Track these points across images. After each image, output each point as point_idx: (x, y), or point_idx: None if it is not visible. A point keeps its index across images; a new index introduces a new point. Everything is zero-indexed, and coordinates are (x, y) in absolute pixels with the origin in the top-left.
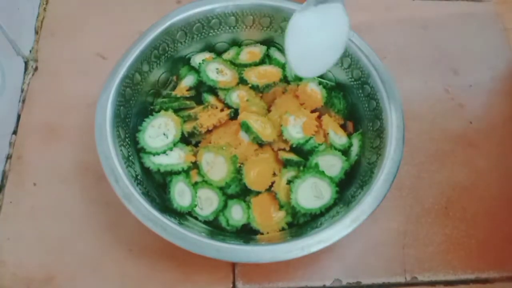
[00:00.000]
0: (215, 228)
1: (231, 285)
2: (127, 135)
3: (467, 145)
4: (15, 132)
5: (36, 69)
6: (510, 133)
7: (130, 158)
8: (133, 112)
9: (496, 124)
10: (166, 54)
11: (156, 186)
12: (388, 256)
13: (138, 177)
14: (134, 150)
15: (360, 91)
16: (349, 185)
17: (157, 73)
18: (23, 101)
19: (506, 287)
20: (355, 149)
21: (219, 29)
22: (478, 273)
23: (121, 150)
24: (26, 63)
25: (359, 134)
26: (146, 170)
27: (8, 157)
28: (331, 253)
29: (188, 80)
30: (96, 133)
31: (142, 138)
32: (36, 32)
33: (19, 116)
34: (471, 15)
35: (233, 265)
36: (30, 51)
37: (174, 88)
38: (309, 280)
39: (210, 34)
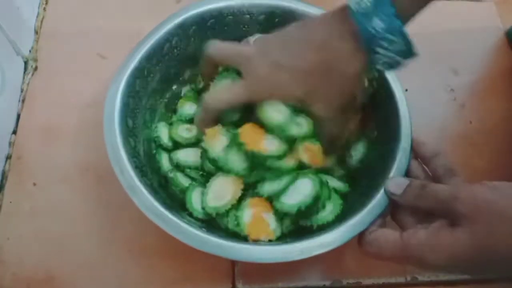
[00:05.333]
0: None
1: (231, 285)
2: (135, 126)
3: (467, 145)
4: (15, 132)
5: (36, 69)
6: (510, 133)
7: (136, 149)
8: (142, 104)
9: (496, 124)
10: (178, 48)
11: (160, 178)
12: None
13: (143, 169)
14: (141, 141)
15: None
16: (353, 191)
17: (168, 67)
18: (23, 101)
19: (506, 287)
20: (359, 155)
21: (233, 27)
22: (474, 276)
23: (128, 140)
24: (26, 63)
25: (365, 140)
26: (152, 163)
27: (8, 157)
28: (331, 253)
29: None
30: (105, 123)
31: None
32: (36, 32)
33: (18, 116)
34: (471, 15)
35: (233, 265)
36: (30, 51)
37: (183, 82)
38: (309, 280)
39: (224, 30)
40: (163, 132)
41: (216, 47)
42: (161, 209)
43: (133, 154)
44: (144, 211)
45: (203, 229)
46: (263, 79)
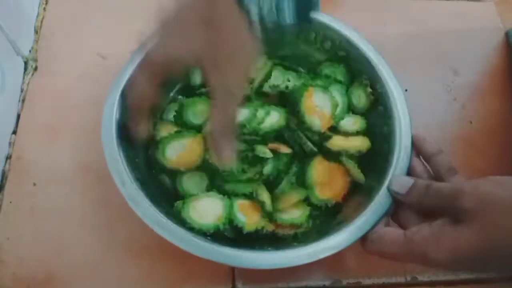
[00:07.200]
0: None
1: (231, 285)
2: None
3: (467, 145)
4: (15, 132)
5: (36, 69)
6: (510, 133)
7: (137, 160)
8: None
9: (496, 124)
10: None
11: (162, 189)
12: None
13: (144, 181)
14: (141, 153)
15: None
16: (356, 191)
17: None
18: (23, 101)
19: (506, 287)
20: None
21: None
22: (478, 273)
23: (127, 153)
24: (25, 63)
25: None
26: (152, 173)
27: (8, 157)
28: None
29: None
30: (103, 135)
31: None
32: (36, 32)
33: (18, 116)
34: (471, 15)
35: (233, 266)
36: (30, 51)
37: (180, 90)
38: (309, 280)
39: None
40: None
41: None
42: (165, 220)
43: (134, 167)
44: (148, 223)
45: (208, 238)
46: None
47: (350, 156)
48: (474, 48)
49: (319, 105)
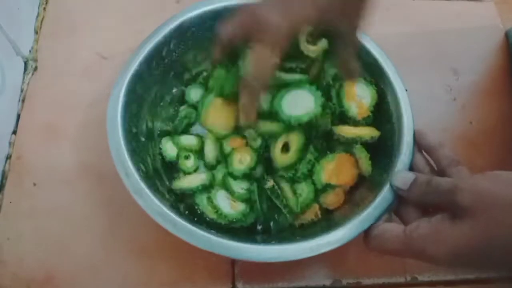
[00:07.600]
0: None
1: (231, 285)
2: (138, 131)
3: (467, 145)
4: (14, 132)
5: (35, 69)
6: (510, 133)
7: (141, 153)
8: (144, 108)
9: (496, 124)
10: (176, 51)
11: (166, 182)
12: (388, 256)
13: (148, 173)
14: (145, 146)
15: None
16: (358, 187)
17: (167, 70)
18: (23, 101)
19: (506, 287)
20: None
21: None
22: (478, 273)
23: (131, 144)
24: (25, 63)
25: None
26: (156, 167)
27: (8, 157)
28: (331, 253)
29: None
30: (108, 127)
31: None
32: (36, 32)
33: (18, 116)
34: (471, 15)
35: (233, 265)
36: (30, 51)
37: (183, 84)
38: (309, 280)
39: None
40: (168, 149)
41: (224, 28)
42: (168, 211)
43: (137, 159)
44: (151, 214)
45: (212, 231)
46: (279, 23)
47: (364, 144)
48: (474, 48)
49: (360, 95)
